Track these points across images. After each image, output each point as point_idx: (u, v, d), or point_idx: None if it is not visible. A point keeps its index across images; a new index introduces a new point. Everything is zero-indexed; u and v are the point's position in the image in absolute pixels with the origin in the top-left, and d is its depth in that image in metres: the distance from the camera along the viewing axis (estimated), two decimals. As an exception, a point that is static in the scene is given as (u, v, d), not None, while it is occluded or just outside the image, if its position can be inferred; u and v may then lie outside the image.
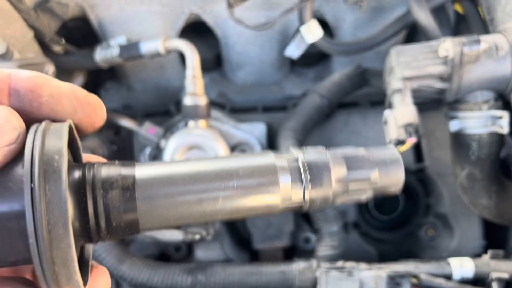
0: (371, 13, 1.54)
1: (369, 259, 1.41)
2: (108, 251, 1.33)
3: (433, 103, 1.44)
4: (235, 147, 1.51)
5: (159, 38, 1.42)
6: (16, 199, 0.37)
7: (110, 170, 0.44)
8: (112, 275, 1.38)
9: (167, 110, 1.64)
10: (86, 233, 0.43)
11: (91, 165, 0.44)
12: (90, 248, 0.47)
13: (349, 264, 1.31)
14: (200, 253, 1.48)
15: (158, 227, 0.46)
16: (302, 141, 1.52)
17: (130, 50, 1.42)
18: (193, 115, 1.38)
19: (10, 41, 1.26)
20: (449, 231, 1.52)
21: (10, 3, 1.28)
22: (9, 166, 0.38)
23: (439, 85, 1.27)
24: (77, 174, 0.43)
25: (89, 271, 0.45)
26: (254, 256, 1.56)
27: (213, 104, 1.58)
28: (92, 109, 0.46)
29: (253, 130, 1.53)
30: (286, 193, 0.47)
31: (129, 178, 0.44)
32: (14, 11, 1.29)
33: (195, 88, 1.39)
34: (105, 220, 0.42)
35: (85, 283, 0.43)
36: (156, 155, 1.49)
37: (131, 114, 1.60)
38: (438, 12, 1.44)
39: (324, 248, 1.41)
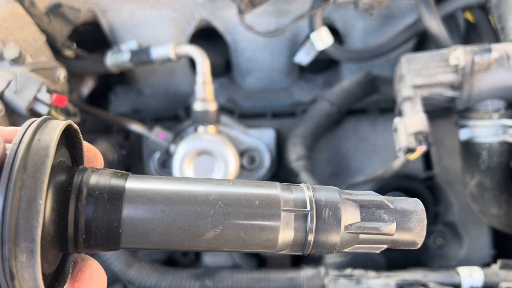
0: (381, 21, 1.54)
1: (377, 267, 1.41)
2: (117, 256, 1.33)
3: (443, 111, 1.44)
4: (244, 153, 1.51)
5: (170, 44, 1.42)
6: None
7: (100, 179, 0.41)
8: (120, 280, 1.38)
9: (176, 115, 1.65)
10: (62, 240, 0.40)
11: (83, 170, 0.42)
12: (71, 259, 0.44)
13: (358, 272, 1.30)
14: (208, 259, 1.48)
15: (139, 247, 0.42)
16: (311, 148, 1.52)
17: (141, 55, 1.43)
18: (203, 120, 1.39)
19: (22, 46, 1.27)
20: (458, 240, 1.51)
21: (23, 8, 1.29)
22: None
23: (449, 93, 1.27)
24: (64, 177, 0.41)
25: (66, 282, 0.42)
26: (262, 263, 1.56)
27: (222, 109, 1.58)
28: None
29: (262, 136, 1.53)
30: (287, 232, 0.42)
31: (118, 190, 0.41)
32: (27, 16, 1.31)
33: (205, 94, 1.39)
34: (85, 230, 0.40)
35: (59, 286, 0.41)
36: (166, 160, 1.50)
37: (140, 118, 1.60)
38: (448, 20, 1.44)
39: (333, 255, 1.41)
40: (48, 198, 0.38)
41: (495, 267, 1.31)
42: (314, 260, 1.52)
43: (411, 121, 1.24)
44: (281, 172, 1.56)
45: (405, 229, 0.44)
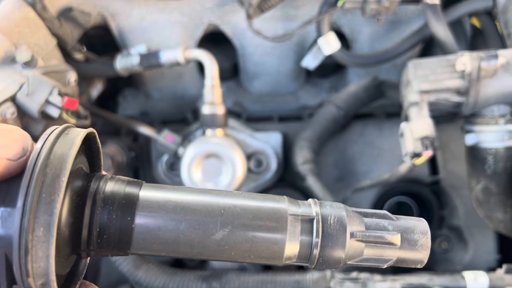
0: (388, 26, 1.56)
1: (383, 270, 1.42)
2: (125, 257, 1.35)
3: (448, 116, 1.45)
4: (251, 156, 1.52)
5: (178, 48, 1.44)
6: (15, 203, 0.38)
7: (116, 186, 0.43)
8: (128, 281, 1.40)
9: (184, 118, 1.66)
10: (76, 242, 0.42)
11: (100, 176, 0.44)
12: (83, 263, 0.46)
13: (363, 275, 1.32)
14: (215, 261, 1.49)
15: (149, 253, 0.44)
16: (318, 151, 1.53)
17: (150, 59, 1.45)
18: (211, 124, 1.40)
19: (34, 49, 1.29)
20: (463, 244, 1.52)
21: (35, 12, 1.31)
22: (19, 175, 0.40)
23: (456, 98, 1.28)
24: (82, 183, 0.43)
25: (78, 283, 0.44)
26: (268, 265, 1.57)
27: (229, 113, 1.59)
28: None
29: (269, 140, 1.54)
30: (293, 244, 0.43)
31: (132, 197, 0.43)
32: (39, 20, 1.33)
33: (213, 98, 1.41)
34: (99, 233, 0.41)
35: None
36: (174, 163, 1.51)
37: (148, 121, 1.62)
38: (455, 25, 1.45)
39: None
40: (66, 202, 0.40)
41: (500, 271, 1.32)
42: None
43: (417, 126, 1.25)
44: (287, 175, 1.58)
45: (409, 241, 0.45)
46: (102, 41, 1.63)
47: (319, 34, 1.44)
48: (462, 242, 1.52)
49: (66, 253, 0.41)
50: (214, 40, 1.64)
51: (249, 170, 1.50)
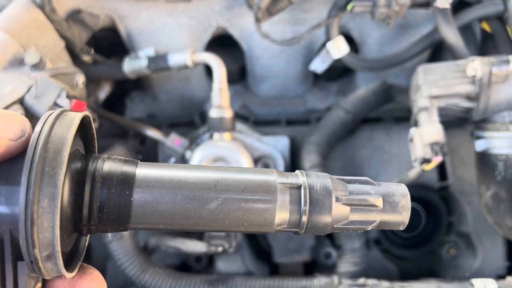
0: (397, 30, 1.55)
1: (390, 277, 1.40)
2: (131, 260, 1.34)
3: (458, 121, 1.44)
4: (258, 160, 1.52)
5: (187, 51, 1.43)
6: (18, 181, 0.39)
7: (113, 165, 0.45)
8: (134, 284, 1.39)
9: (191, 121, 1.66)
10: (77, 218, 0.44)
11: (97, 157, 0.46)
12: (83, 242, 0.48)
13: (371, 282, 1.30)
14: (221, 265, 1.48)
15: (147, 227, 0.46)
16: (326, 156, 1.52)
17: (158, 62, 1.44)
18: (218, 127, 1.40)
19: (42, 51, 1.29)
20: (471, 251, 1.50)
21: (44, 13, 1.31)
22: (20, 155, 0.42)
23: (466, 104, 1.27)
24: (80, 164, 0.45)
25: (79, 261, 0.46)
26: (274, 270, 1.56)
27: (237, 116, 1.59)
28: None
29: (276, 144, 1.54)
30: (283, 211, 0.46)
31: (129, 175, 0.45)
32: (48, 22, 1.32)
33: (221, 101, 1.40)
34: (98, 210, 0.44)
35: (72, 268, 0.44)
36: (181, 166, 1.51)
37: (155, 124, 1.62)
38: (464, 30, 1.44)
39: (346, 264, 1.41)
40: (67, 179, 0.42)
41: (510, 279, 1.30)
42: (327, 268, 1.52)
43: (427, 132, 1.24)
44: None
45: (391, 203, 0.48)
46: (110, 43, 1.63)
47: (328, 37, 1.44)
48: (470, 248, 1.50)
49: (68, 229, 0.43)
50: (221, 43, 1.64)
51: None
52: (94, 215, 0.44)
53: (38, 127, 0.41)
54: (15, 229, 0.39)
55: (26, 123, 0.43)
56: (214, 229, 0.47)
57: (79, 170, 0.44)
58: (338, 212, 0.47)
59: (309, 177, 0.48)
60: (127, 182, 0.44)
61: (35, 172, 0.38)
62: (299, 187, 0.47)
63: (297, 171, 0.49)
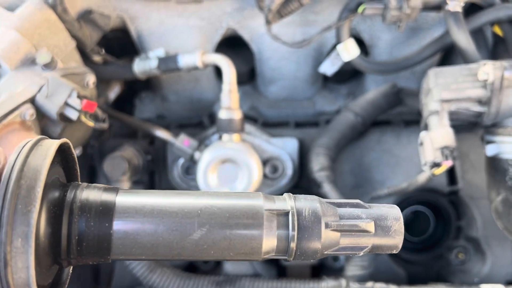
0: (407, 33, 1.54)
1: (398, 281, 1.40)
2: (139, 260, 1.34)
3: (468, 125, 1.43)
4: (267, 162, 1.52)
5: (197, 52, 1.44)
6: None
7: (92, 193, 0.44)
8: (141, 284, 1.40)
9: (200, 122, 1.66)
10: (56, 252, 0.42)
11: (76, 186, 0.45)
12: (66, 273, 0.47)
13: (379, 285, 1.30)
14: (229, 266, 1.48)
15: (129, 258, 0.45)
16: (334, 159, 1.51)
17: (168, 62, 1.45)
18: (228, 129, 1.40)
19: (53, 51, 1.30)
20: (480, 256, 1.49)
21: (55, 14, 1.32)
22: None
23: (477, 108, 1.26)
24: (58, 194, 0.43)
25: None
26: (282, 272, 1.56)
27: (245, 117, 1.59)
28: None
29: (285, 145, 1.53)
30: (270, 239, 0.45)
31: (109, 205, 0.43)
32: (59, 22, 1.33)
33: (230, 103, 1.40)
34: (77, 244, 0.42)
35: None
36: (189, 167, 1.51)
37: (164, 124, 1.62)
38: (476, 34, 1.43)
39: (354, 268, 1.40)
40: (43, 212, 0.40)
41: (519, 285, 1.29)
42: (334, 271, 1.52)
43: (437, 135, 1.23)
44: (303, 182, 1.56)
45: (383, 227, 0.46)
46: (119, 43, 1.64)
47: (339, 40, 1.43)
48: (479, 253, 1.50)
49: (47, 263, 0.42)
50: (231, 45, 1.64)
51: (265, 176, 1.50)
52: (73, 249, 0.42)
53: (12, 157, 0.40)
54: None
55: (1, 154, 0.41)
56: (199, 259, 0.46)
57: (56, 203, 0.42)
58: (328, 238, 0.45)
59: (297, 201, 0.46)
60: (106, 213, 0.43)
61: (7, 210, 0.37)
62: (287, 213, 0.45)
63: (285, 195, 0.47)
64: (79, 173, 0.49)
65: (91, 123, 1.22)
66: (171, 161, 1.54)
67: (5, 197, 0.37)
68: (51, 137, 1.26)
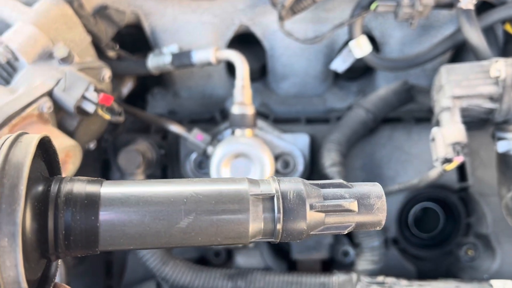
0: (419, 30, 1.55)
1: (408, 276, 1.41)
2: (152, 252, 1.36)
3: (479, 122, 1.44)
4: (278, 157, 1.53)
5: (210, 48, 1.45)
6: None
7: (76, 186, 0.44)
8: (154, 276, 1.41)
9: (211, 118, 1.68)
10: (43, 246, 0.42)
11: (59, 179, 0.44)
12: (55, 266, 0.47)
13: (390, 280, 1.31)
14: (240, 260, 1.50)
15: (117, 249, 0.45)
16: (346, 155, 1.53)
17: (182, 58, 1.46)
18: (240, 124, 1.41)
19: (69, 45, 1.32)
20: (490, 253, 1.50)
21: (72, 9, 1.34)
22: None
23: (488, 105, 1.27)
24: (42, 188, 0.43)
25: (50, 286, 0.45)
26: (292, 266, 1.57)
27: (257, 114, 1.60)
28: None
29: (296, 141, 1.55)
30: (257, 223, 0.45)
31: (94, 197, 0.43)
32: (75, 17, 1.35)
33: (243, 98, 1.42)
34: (64, 235, 0.42)
35: None
36: (202, 161, 1.53)
37: (176, 120, 1.63)
38: (487, 31, 1.44)
39: (364, 262, 1.42)
40: (28, 208, 0.40)
41: (529, 281, 1.30)
42: (345, 266, 1.53)
43: (449, 132, 1.24)
44: (314, 177, 1.58)
45: (366, 206, 0.47)
46: (133, 39, 1.65)
47: (351, 37, 1.44)
48: (489, 250, 1.50)
49: (35, 258, 0.42)
50: (242, 41, 1.65)
51: (276, 171, 1.51)
52: (60, 243, 0.42)
53: None
54: None
55: None
56: (187, 245, 0.45)
57: (40, 198, 0.42)
58: (313, 219, 0.46)
59: (282, 184, 0.47)
60: (91, 205, 0.42)
61: None
62: (272, 197, 0.46)
63: (269, 178, 0.48)
64: (60, 166, 0.49)
65: (107, 116, 1.24)
66: (184, 155, 1.56)
67: None
68: (68, 130, 1.28)
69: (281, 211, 0.45)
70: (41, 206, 0.42)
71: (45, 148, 0.46)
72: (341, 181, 0.49)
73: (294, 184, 0.47)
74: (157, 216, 0.43)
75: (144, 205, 0.43)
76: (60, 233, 0.42)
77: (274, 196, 0.46)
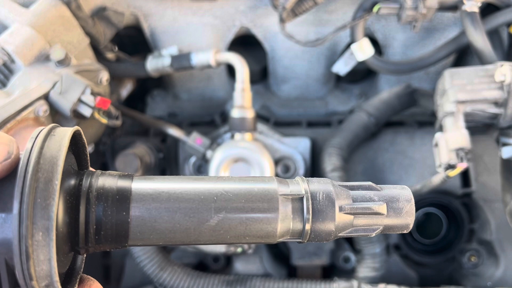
0: (422, 33, 1.53)
1: (409, 283, 1.39)
2: (150, 258, 1.34)
3: (483, 127, 1.41)
4: (279, 161, 1.51)
5: (210, 50, 1.43)
6: (8, 207, 0.38)
7: (107, 181, 0.44)
8: (151, 282, 1.39)
9: (211, 120, 1.66)
10: (74, 240, 0.42)
11: (90, 173, 0.45)
12: (81, 259, 0.47)
13: (391, 287, 1.29)
14: (239, 266, 1.48)
15: (146, 244, 0.45)
16: (347, 159, 1.50)
17: (182, 61, 1.44)
18: (240, 127, 1.39)
19: (67, 47, 1.30)
20: (494, 259, 1.47)
21: (70, 10, 1.32)
22: (7, 178, 0.40)
23: (493, 110, 1.24)
24: (73, 181, 0.43)
25: (77, 281, 0.45)
26: (292, 272, 1.55)
27: (257, 116, 1.58)
28: None
29: (297, 145, 1.53)
30: (285, 223, 0.45)
31: (125, 190, 0.43)
32: (73, 19, 1.33)
33: (243, 101, 1.40)
34: (95, 230, 0.42)
35: (71, 286, 0.43)
36: (201, 165, 1.51)
37: (176, 122, 1.62)
38: (491, 35, 1.41)
39: (365, 269, 1.39)
40: (61, 199, 0.40)
41: (534, 290, 1.27)
42: (345, 273, 1.50)
43: (453, 137, 1.22)
44: (315, 182, 1.55)
45: (395, 209, 0.47)
46: (132, 41, 1.64)
47: (353, 39, 1.42)
48: (493, 257, 1.48)
49: (65, 251, 0.42)
50: (243, 43, 1.63)
51: (276, 176, 1.49)
52: (91, 237, 0.42)
53: (28, 146, 0.39)
54: (10, 258, 0.38)
55: (13, 144, 0.41)
56: (216, 243, 0.46)
57: (72, 192, 0.42)
58: (342, 221, 0.46)
59: (311, 184, 0.47)
60: (123, 201, 0.43)
61: (26, 205, 0.37)
62: (301, 198, 0.46)
63: (297, 178, 0.48)
64: (89, 159, 0.49)
65: (104, 120, 1.22)
66: (182, 159, 1.54)
67: (23, 190, 0.37)
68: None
69: (310, 212, 0.45)
70: (73, 200, 0.42)
71: (75, 141, 0.46)
72: (370, 183, 0.48)
73: (324, 185, 0.47)
74: (188, 213, 0.44)
75: (174, 201, 0.44)
76: (91, 227, 0.42)
77: (303, 196, 0.46)
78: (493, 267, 1.47)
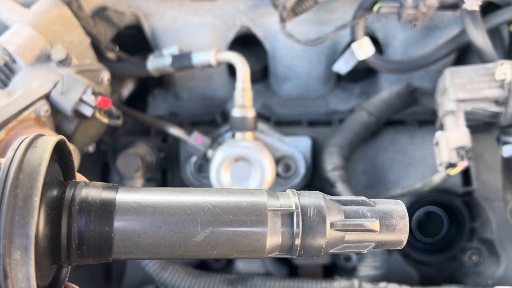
0: (422, 32, 1.53)
1: (410, 282, 1.38)
2: (151, 257, 1.34)
3: (483, 125, 1.41)
4: (280, 161, 1.51)
5: (211, 50, 1.43)
6: None
7: (91, 193, 0.42)
8: (153, 281, 1.40)
9: (212, 120, 1.66)
10: (56, 254, 0.41)
11: (74, 184, 0.43)
12: (65, 271, 0.46)
13: (392, 286, 1.29)
14: (241, 265, 1.48)
15: (131, 258, 0.44)
16: (348, 158, 1.50)
17: (182, 60, 1.45)
18: (241, 127, 1.39)
19: (68, 47, 1.30)
20: (495, 258, 1.47)
21: (71, 10, 1.32)
22: None
23: (493, 108, 1.24)
24: (56, 194, 0.42)
25: None
26: (293, 271, 1.55)
27: (258, 116, 1.58)
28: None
29: (298, 144, 1.53)
30: (275, 239, 0.44)
31: (109, 204, 0.42)
32: (74, 19, 1.34)
33: (244, 101, 1.40)
34: (78, 244, 0.41)
35: None
36: (202, 164, 1.51)
37: (177, 122, 1.62)
38: (492, 33, 1.41)
39: (366, 268, 1.39)
40: (42, 213, 0.39)
41: (535, 288, 1.27)
42: (346, 271, 1.51)
43: (453, 136, 1.22)
44: (316, 181, 1.56)
45: (388, 226, 0.46)
46: (133, 40, 1.64)
47: (354, 38, 1.42)
48: (494, 255, 1.48)
49: (47, 265, 0.41)
50: (243, 43, 1.63)
51: (277, 175, 1.49)
52: (73, 252, 0.41)
53: (8, 155, 0.38)
54: None
55: None
56: (202, 258, 0.45)
57: (54, 206, 0.41)
58: (333, 237, 0.44)
59: (302, 198, 0.45)
60: (106, 215, 0.42)
61: (3, 223, 0.35)
62: (291, 213, 0.44)
63: (288, 191, 0.47)
64: (75, 168, 0.47)
65: (105, 120, 1.22)
66: (183, 158, 1.54)
67: (0, 208, 0.36)
68: (66, 134, 1.26)
69: (300, 228, 0.44)
70: (55, 213, 0.41)
71: (60, 149, 0.45)
72: (363, 198, 0.47)
73: (315, 200, 0.46)
74: (173, 229, 0.42)
75: (160, 216, 0.42)
76: (73, 242, 0.41)
77: (293, 212, 0.44)
78: (494, 266, 1.47)
